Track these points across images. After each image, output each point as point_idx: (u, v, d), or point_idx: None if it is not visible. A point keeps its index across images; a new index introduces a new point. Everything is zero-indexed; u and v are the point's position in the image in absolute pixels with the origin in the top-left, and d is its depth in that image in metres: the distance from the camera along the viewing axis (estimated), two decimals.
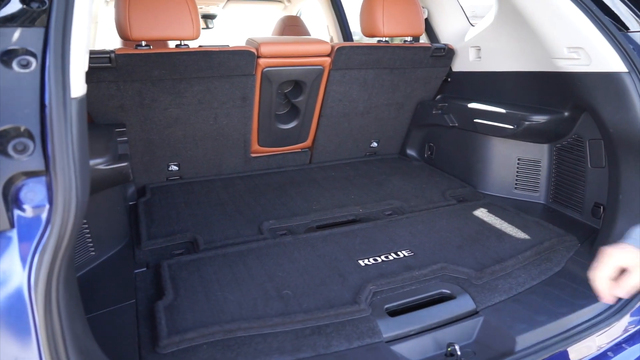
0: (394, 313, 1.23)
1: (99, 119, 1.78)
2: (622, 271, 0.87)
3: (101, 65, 1.63)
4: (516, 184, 2.01)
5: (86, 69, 0.96)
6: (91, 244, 1.41)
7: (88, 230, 1.38)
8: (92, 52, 1.60)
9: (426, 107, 2.37)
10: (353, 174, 2.26)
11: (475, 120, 2.03)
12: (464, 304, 1.28)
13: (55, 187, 0.76)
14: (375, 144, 2.51)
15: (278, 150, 2.30)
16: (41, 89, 0.81)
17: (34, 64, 0.83)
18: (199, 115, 1.93)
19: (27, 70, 0.82)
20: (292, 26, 3.49)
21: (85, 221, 1.36)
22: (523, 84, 1.92)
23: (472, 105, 2.08)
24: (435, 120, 2.30)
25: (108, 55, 1.62)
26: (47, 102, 0.79)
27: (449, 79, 2.40)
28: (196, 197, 1.95)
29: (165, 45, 1.77)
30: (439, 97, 2.46)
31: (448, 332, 1.20)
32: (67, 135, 0.77)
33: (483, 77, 2.18)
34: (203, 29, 4.66)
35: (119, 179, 1.23)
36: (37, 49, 0.84)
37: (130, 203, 1.90)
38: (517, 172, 2.00)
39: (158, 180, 2.09)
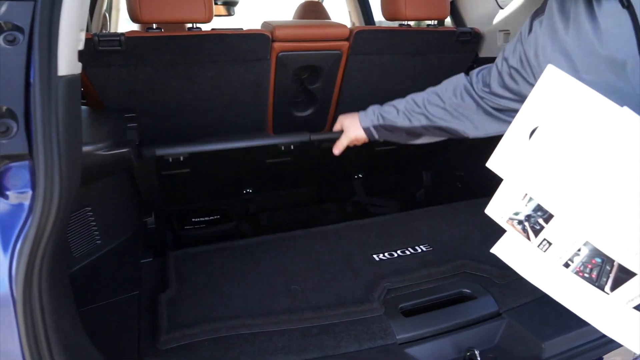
0: (408, 313, 1.15)
1: (110, 104, 1.74)
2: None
3: (111, 49, 1.58)
4: None
5: (80, 47, 0.91)
6: (97, 232, 1.37)
7: (93, 218, 1.34)
8: (101, 35, 1.55)
9: None
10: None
11: None
12: (485, 305, 1.19)
13: (37, 172, 0.70)
14: None
15: None
16: (27, 67, 0.75)
17: (21, 39, 0.77)
18: (211, 102, 1.87)
19: (13, 47, 0.76)
20: (313, 12, 3.39)
21: (89, 208, 1.32)
22: None
23: None
24: None
25: (118, 39, 1.57)
26: (32, 80, 0.73)
27: (475, 66, 2.26)
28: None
29: (178, 29, 1.71)
30: None
31: (468, 335, 1.11)
32: (51, 116, 0.71)
33: None
34: (224, 15, 4.61)
35: (121, 165, 1.19)
36: (25, 23, 0.78)
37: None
38: None
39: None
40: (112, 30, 3.13)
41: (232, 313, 1.10)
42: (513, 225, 0.66)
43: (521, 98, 1.04)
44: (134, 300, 1.20)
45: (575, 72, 0.78)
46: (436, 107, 1.24)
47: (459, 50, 2.14)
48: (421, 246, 1.40)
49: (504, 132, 1.21)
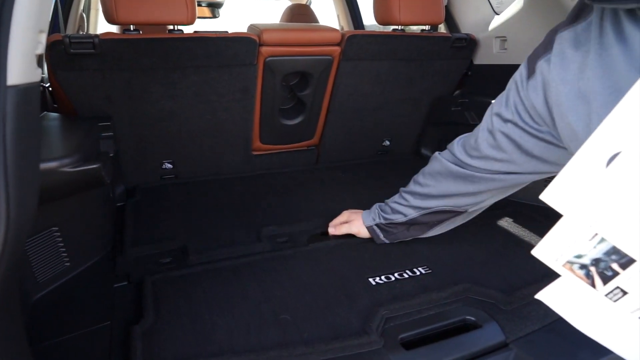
0: (409, 345, 1.05)
1: (83, 112, 1.61)
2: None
3: (84, 52, 1.46)
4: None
5: (40, 51, 0.79)
6: (65, 254, 1.24)
7: (61, 239, 1.21)
8: (72, 37, 1.43)
9: (444, 103, 2.17)
10: (364, 175, 2.07)
11: None
12: (491, 334, 1.09)
13: None
14: (387, 143, 2.32)
15: (282, 148, 2.12)
16: None
17: None
18: (195, 109, 1.75)
19: None
20: (300, 15, 3.30)
21: (57, 228, 1.19)
22: None
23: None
24: (453, 117, 2.10)
25: (91, 41, 1.44)
26: None
27: (470, 73, 2.19)
28: (191, 198, 1.77)
29: (158, 31, 1.59)
30: (457, 92, 2.26)
31: None
32: None
33: (508, 71, 1.95)
34: (209, 18, 4.48)
35: (90, 182, 1.06)
36: None
37: (119, 204, 1.73)
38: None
39: (151, 180, 1.92)
40: (91, 32, 2.98)
41: (215, 349, 0.98)
42: (572, 270, 0.55)
43: (518, 158, 1.00)
44: (104, 332, 1.07)
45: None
46: (423, 193, 1.26)
47: (454, 56, 2.07)
48: (420, 268, 1.30)
49: (508, 194, 1.17)
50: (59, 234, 1.20)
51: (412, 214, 1.28)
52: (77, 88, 1.53)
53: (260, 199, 1.78)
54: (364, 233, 1.40)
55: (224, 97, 1.75)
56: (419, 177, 1.28)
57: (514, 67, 2.01)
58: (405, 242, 1.43)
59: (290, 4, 3.87)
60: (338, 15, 3.55)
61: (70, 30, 2.56)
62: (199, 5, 4.19)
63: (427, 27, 2.03)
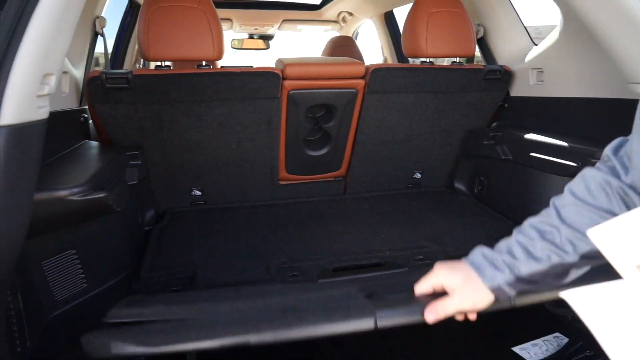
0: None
1: (118, 141, 1.73)
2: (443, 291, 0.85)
3: (119, 86, 1.58)
4: None
5: (46, 92, 0.87)
6: (82, 275, 1.32)
7: (78, 261, 1.29)
8: (109, 73, 1.55)
9: (477, 136, 2.09)
10: (389, 209, 2.03)
11: (532, 154, 1.73)
12: None
13: None
14: (418, 175, 2.27)
15: (309, 179, 2.14)
16: None
17: None
18: (220, 140, 1.82)
19: None
20: (343, 46, 3.36)
21: (74, 251, 1.27)
22: (592, 113, 1.61)
23: (528, 136, 1.79)
24: (486, 151, 2.02)
25: (125, 76, 1.56)
26: None
27: (506, 105, 2.11)
28: (213, 225, 1.83)
29: (188, 65, 1.70)
30: (494, 124, 2.17)
31: None
32: None
33: (545, 104, 1.87)
34: (262, 49, 4.69)
35: (98, 210, 1.13)
36: None
37: (147, 228, 1.82)
38: None
39: (181, 205, 2.01)
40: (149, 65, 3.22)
41: None
42: None
43: None
44: None
45: None
46: (589, 220, 0.74)
47: (487, 88, 2.00)
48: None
49: None
50: (76, 256, 1.28)
51: (573, 254, 0.77)
52: (112, 120, 1.65)
53: (279, 227, 1.80)
54: (481, 304, 0.83)
55: (248, 129, 1.81)
56: (584, 196, 0.77)
57: (550, 100, 1.91)
58: (416, 280, 1.35)
59: (337, 34, 3.97)
60: (382, 46, 3.57)
61: (129, 62, 2.79)
62: (251, 37, 4.40)
63: (457, 60, 1.99)
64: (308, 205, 2.06)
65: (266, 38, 4.55)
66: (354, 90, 1.84)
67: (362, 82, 1.83)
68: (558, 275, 0.81)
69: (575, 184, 0.78)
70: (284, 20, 3.95)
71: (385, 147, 2.08)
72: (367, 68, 1.81)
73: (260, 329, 0.84)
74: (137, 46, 2.93)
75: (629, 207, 0.71)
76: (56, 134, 1.43)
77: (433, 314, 0.84)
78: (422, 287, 0.88)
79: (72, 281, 1.30)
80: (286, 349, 1.10)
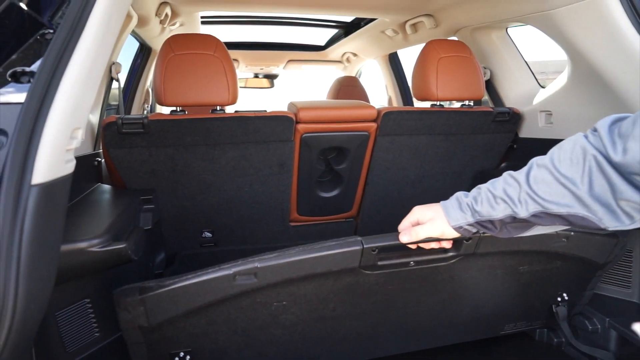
0: None
1: (131, 184, 1.73)
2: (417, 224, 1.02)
3: (134, 131, 1.59)
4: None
5: (75, 146, 0.87)
6: (95, 324, 1.29)
7: (92, 310, 1.26)
8: (125, 119, 1.57)
9: (486, 177, 2.08)
10: None
11: None
12: None
13: None
14: None
15: (320, 220, 2.12)
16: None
17: (5, 143, 0.74)
18: (233, 182, 1.82)
19: None
20: (349, 86, 3.42)
21: (88, 300, 1.24)
22: None
23: None
24: None
25: (141, 122, 1.58)
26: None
27: (515, 146, 2.12)
28: None
29: (202, 110, 1.72)
30: (503, 165, 2.18)
31: None
32: (13, 233, 0.65)
33: (554, 145, 1.89)
34: (267, 88, 4.79)
35: (117, 260, 1.12)
36: (10, 126, 0.75)
37: (157, 272, 1.80)
38: None
39: (191, 247, 1.98)
40: (155, 106, 3.27)
41: None
42: None
43: None
44: None
45: None
46: (547, 187, 0.82)
47: (496, 130, 2.02)
48: None
49: None
50: (90, 305, 1.25)
51: (531, 208, 0.86)
52: (126, 164, 1.66)
53: None
54: (450, 234, 1.00)
55: (261, 171, 1.82)
56: (555, 161, 0.83)
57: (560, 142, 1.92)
58: None
59: (342, 74, 4.05)
60: (386, 86, 3.64)
61: (137, 104, 2.82)
62: (256, 77, 4.49)
63: (467, 102, 2.02)
64: None
65: (271, 77, 4.66)
66: (366, 133, 1.86)
67: (374, 125, 1.85)
68: (517, 228, 0.94)
69: (559, 146, 0.85)
70: (290, 61, 4.04)
71: (396, 188, 2.08)
72: (379, 111, 1.84)
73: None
74: (145, 88, 2.99)
75: (591, 181, 0.77)
76: (72, 179, 1.43)
77: (406, 235, 1.02)
78: (402, 225, 1.06)
79: (85, 331, 1.27)
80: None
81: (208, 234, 1.98)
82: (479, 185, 0.95)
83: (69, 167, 0.86)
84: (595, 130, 0.80)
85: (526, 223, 0.91)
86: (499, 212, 0.90)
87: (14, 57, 0.83)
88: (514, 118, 2.01)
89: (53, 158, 0.77)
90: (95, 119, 1.79)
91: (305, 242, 2.07)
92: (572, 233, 1.29)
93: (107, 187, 1.67)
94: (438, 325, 1.44)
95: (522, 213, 0.86)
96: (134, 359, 1.15)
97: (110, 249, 1.06)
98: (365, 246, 1.11)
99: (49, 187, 0.74)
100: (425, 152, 1.98)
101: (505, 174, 0.91)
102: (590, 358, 1.50)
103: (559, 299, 1.51)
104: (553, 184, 0.81)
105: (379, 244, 1.12)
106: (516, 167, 2.16)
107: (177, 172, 1.73)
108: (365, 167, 1.99)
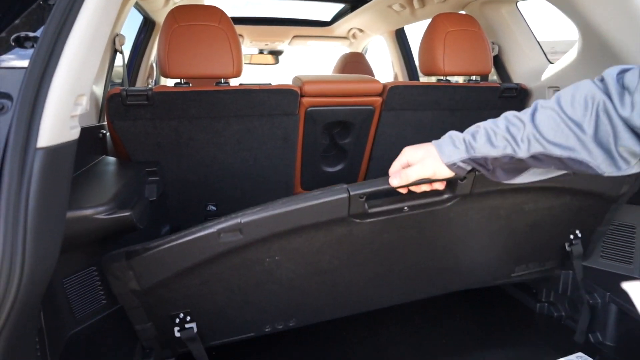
0: None
1: (136, 157, 1.73)
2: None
3: (138, 103, 1.59)
4: (602, 251, 1.65)
5: (79, 112, 0.87)
6: (102, 292, 1.31)
7: (99, 278, 1.29)
8: (129, 90, 1.57)
9: None
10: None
11: None
12: None
13: None
14: None
15: None
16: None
17: (9, 107, 0.74)
18: (237, 156, 1.82)
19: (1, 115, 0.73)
20: (354, 62, 3.38)
21: (95, 268, 1.26)
22: None
23: None
24: None
25: (145, 93, 1.57)
26: (5, 153, 0.69)
27: None
28: None
29: (207, 83, 1.71)
30: None
31: None
32: (19, 194, 0.66)
33: None
34: (272, 64, 4.74)
35: (123, 228, 1.13)
36: (14, 91, 0.76)
37: None
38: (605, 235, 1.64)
39: (196, 220, 2.00)
40: (160, 80, 3.26)
41: None
42: None
43: None
44: None
45: None
46: (553, 128, 0.81)
47: (503, 106, 2.00)
48: None
49: None
50: (97, 273, 1.28)
51: (534, 148, 0.83)
52: (130, 136, 1.66)
53: None
54: (442, 174, 0.96)
55: (265, 145, 1.82)
56: (564, 104, 0.81)
57: None
58: None
59: (347, 51, 4.00)
60: (392, 63, 3.59)
61: (142, 78, 2.81)
62: (261, 53, 4.44)
63: (473, 77, 1.99)
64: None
65: (276, 53, 4.61)
66: (371, 107, 1.85)
67: (379, 99, 1.84)
68: (509, 171, 0.93)
69: (565, 91, 0.83)
70: (295, 37, 3.99)
71: None
72: (385, 86, 1.82)
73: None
74: (149, 62, 2.97)
75: (597, 126, 0.77)
76: (77, 150, 1.44)
77: (396, 179, 0.99)
78: (392, 168, 1.03)
79: (93, 298, 1.30)
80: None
81: (212, 207, 1.99)
82: (478, 123, 0.93)
83: (74, 134, 0.86)
84: (602, 79, 0.80)
85: (520, 165, 0.90)
86: (498, 150, 0.87)
87: (17, 22, 0.83)
88: (522, 94, 1.99)
89: (57, 123, 0.77)
90: (99, 90, 1.79)
91: None
92: None
93: (112, 159, 1.68)
94: (443, 271, 1.41)
95: (522, 153, 0.84)
96: (135, 324, 1.16)
97: (116, 217, 1.07)
98: (352, 193, 1.06)
99: (54, 151, 0.75)
100: (430, 128, 1.97)
101: (508, 113, 0.89)
102: (587, 332, 1.52)
103: (572, 236, 1.43)
104: (559, 126, 0.80)
105: (367, 190, 1.07)
106: None
107: (182, 145, 1.73)
108: (370, 142, 1.99)
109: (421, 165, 0.96)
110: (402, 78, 3.49)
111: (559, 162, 0.83)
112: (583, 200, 1.36)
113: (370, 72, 3.41)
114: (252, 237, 1.07)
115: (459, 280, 1.47)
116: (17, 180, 0.66)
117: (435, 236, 1.28)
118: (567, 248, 1.46)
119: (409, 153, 1.00)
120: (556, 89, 1.91)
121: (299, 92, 1.72)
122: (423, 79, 3.05)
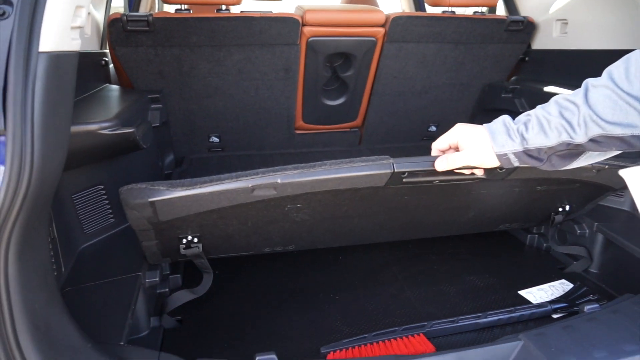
0: None
1: (139, 85, 1.75)
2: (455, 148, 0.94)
3: (139, 29, 1.58)
4: None
5: (78, 24, 0.89)
6: (110, 210, 1.38)
7: (106, 196, 1.35)
8: (129, 16, 1.56)
9: (495, 89, 2.08)
10: None
11: None
12: None
13: (8, 148, 0.69)
14: (434, 128, 2.27)
15: (325, 128, 2.16)
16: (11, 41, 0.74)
17: (10, 12, 0.76)
18: (239, 86, 1.84)
19: (1, 20, 0.75)
20: None
21: (102, 186, 1.33)
22: None
23: (548, 89, 1.78)
24: (503, 104, 2.01)
25: (146, 19, 1.57)
26: (10, 55, 0.72)
27: (527, 58, 2.08)
28: (230, 171, 1.87)
29: (208, 10, 1.69)
30: (513, 78, 2.15)
31: None
32: (26, 93, 0.70)
33: (568, 57, 1.85)
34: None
35: (127, 145, 1.18)
36: None
37: (166, 172, 1.88)
38: None
39: (199, 151, 2.05)
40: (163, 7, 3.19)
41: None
42: None
43: None
44: (134, 282, 1.19)
45: None
46: (610, 107, 0.76)
47: (508, 40, 1.97)
48: None
49: None
50: (104, 191, 1.34)
51: (593, 131, 0.77)
52: (132, 63, 1.67)
53: None
54: (489, 164, 0.91)
55: (266, 76, 1.82)
56: (624, 74, 0.75)
57: (575, 53, 1.88)
58: None
59: None
60: None
61: (144, 5, 2.76)
62: None
63: (480, 9, 1.94)
64: (324, 155, 2.09)
65: None
66: (373, 39, 1.82)
67: (381, 30, 1.81)
68: (564, 157, 0.86)
69: (616, 66, 0.76)
70: None
71: (402, 99, 2.08)
72: (388, 16, 1.79)
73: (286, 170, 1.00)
74: None
75: None
76: (79, 75, 1.46)
77: (443, 163, 0.95)
78: (439, 143, 0.97)
79: (101, 215, 1.37)
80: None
81: (215, 139, 2.03)
82: (528, 112, 0.86)
83: (75, 45, 0.88)
84: None
85: (578, 150, 0.84)
86: (553, 139, 0.81)
87: None
88: (528, 27, 1.95)
89: (58, 30, 0.79)
90: (100, 16, 1.78)
91: (310, 151, 2.13)
92: (606, 166, 1.22)
93: (115, 86, 1.70)
94: (442, 222, 1.47)
95: (580, 138, 0.78)
96: (142, 241, 1.21)
97: (120, 132, 1.11)
98: (395, 170, 1.03)
99: (56, 58, 0.78)
100: (433, 62, 1.95)
101: (557, 97, 0.82)
102: (570, 257, 1.58)
103: (560, 209, 1.52)
104: (616, 104, 0.74)
105: (411, 169, 1.03)
106: (527, 82, 2.13)
107: (184, 74, 1.75)
108: (372, 76, 1.98)
109: (470, 153, 0.90)
110: (409, 9, 3.39)
111: (620, 142, 0.77)
112: (588, 189, 1.40)
113: (376, 5, 3.31)
114: (285, 193, 1.06)
115: (451, 229, 1.54)
116: (23, 79, 0.70)
117: (449, 202, 1.31)
118: (552, 217, 1.53)
119: (461, 133, 0.93)
120: (564, 21, 1.87)
121: (300, 20, 1.70)
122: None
